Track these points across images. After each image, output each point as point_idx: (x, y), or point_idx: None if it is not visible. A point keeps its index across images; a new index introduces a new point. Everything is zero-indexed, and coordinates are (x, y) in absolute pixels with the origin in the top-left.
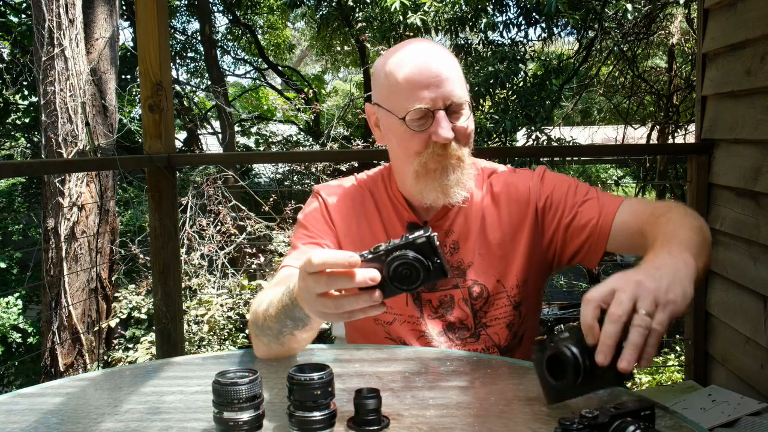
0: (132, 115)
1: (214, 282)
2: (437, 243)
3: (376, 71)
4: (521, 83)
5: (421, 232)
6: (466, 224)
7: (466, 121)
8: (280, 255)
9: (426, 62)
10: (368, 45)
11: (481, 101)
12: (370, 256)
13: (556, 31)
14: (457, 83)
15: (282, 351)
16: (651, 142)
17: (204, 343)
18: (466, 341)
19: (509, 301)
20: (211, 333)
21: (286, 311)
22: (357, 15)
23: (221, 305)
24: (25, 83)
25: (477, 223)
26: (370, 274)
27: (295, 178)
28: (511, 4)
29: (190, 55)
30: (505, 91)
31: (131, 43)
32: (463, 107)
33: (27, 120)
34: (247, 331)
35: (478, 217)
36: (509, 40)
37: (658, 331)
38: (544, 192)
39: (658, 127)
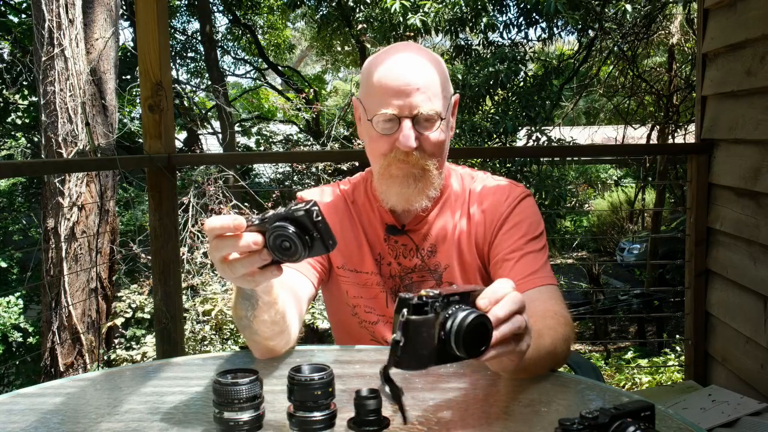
0: (132, 115)
1: (218, 279)
2: (317, 217)
3: (363, 68)
4: (521, 84)
5: (303, 204)
6: (444, 229)
7: (436, 132)
8: None
9: (401, 70)
10: (368, 45)
11: (482, 101)
12: (256, 222)
13: (556, 31)
14: (430, 95)
15: (263, 341)
16: (651, 142)
17: (206, 342)
18: None
19: None
20: (213, 332)
21: (238, 292)
22: (357, 15)
23: (227, 303)
24: (25, 83)
25: (454, 229)
26: (252, 238)
27: (295, 178)
28: (510, 4)
29: (190, 55)
30: (505, 91)
31: (131, 43)
32: (433, 119)
33: (27, 120)
34: None
35: (456, 222)
36: (509, 41)
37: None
38: (504, 224)
39: (658, 127)
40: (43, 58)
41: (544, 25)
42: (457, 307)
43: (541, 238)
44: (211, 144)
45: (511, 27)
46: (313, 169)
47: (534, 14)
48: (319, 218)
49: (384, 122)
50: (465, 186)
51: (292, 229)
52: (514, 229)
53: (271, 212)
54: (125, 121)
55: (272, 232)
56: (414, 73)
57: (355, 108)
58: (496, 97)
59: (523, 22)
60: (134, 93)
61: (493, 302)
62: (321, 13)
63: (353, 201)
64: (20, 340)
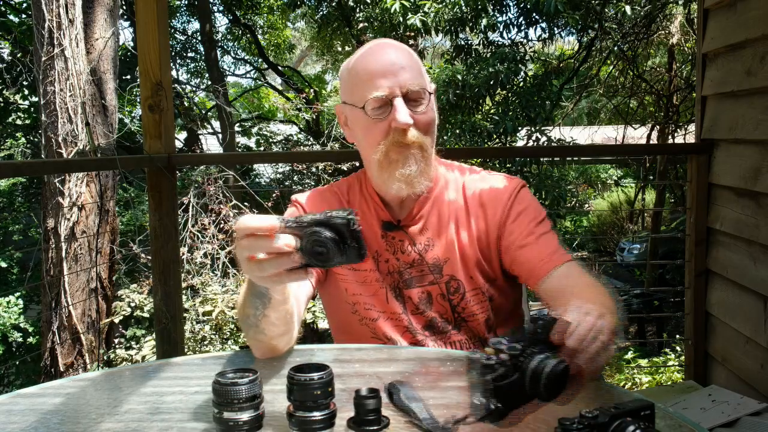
0: (132, 115)
1: (218, 279)
2: (356, 226)
3: (341, 73)
4: (521, 84)
5: (342, 212)
6: (440, 222)
7: (426, 109)
8: None
9: (383, 53)
10: None
11: (482, 101)
12: (292, 224)
13: (556, 31)
14: (416, 72)
15: (268, 341)
16: (651, 142)
17: (206, 342)
18: (449, 335)
19: (485, 297)
20: (213, 332)
21: (250, 290)
22: (357, 15)
23: (228, 303)
24: (25, 83)
25: (451, 221)
26: (285, 240)
27: (295, 178)
28: (510, 4)
29: (190, 55)
30: (505, 91)
31: (131, 43)
32: (422, 95)
33: (27, 120)
34: None
35: (451, 215)
36: (509, 41)
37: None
38: (510, 214)
39: (658, 127)
40: (43, 58)
41: (544, 25)
42: (541, 357)
43: (547, 222)
44: (211, 144)
45: (511, 27)
46: (313, 169)
47: (534, 14)
48: (357, 227)
49: (375, 109)
50: (458, 180)
51: (329, 234)
52: (522, 216)
53: (309, 216)
54: (125, 121)
55: (309, 237)
56: (396, 54)
57: (339, 114)
58: (497, 97)
59: (523, 22)
60: (134, 93)
61: (579, 341)
62: (321, 13)
63: (348, 200)
64: (20, 340)
